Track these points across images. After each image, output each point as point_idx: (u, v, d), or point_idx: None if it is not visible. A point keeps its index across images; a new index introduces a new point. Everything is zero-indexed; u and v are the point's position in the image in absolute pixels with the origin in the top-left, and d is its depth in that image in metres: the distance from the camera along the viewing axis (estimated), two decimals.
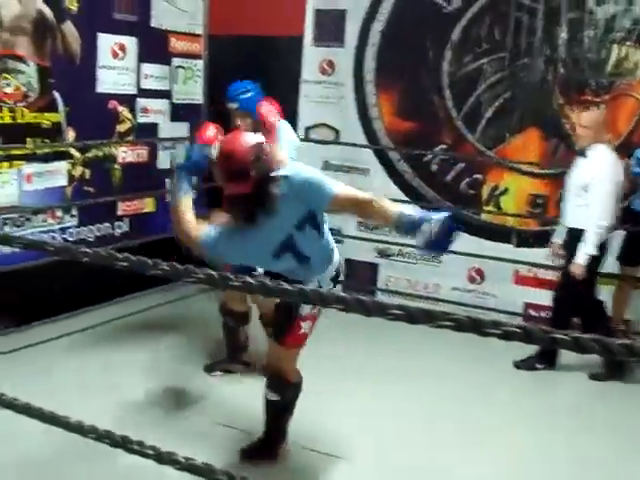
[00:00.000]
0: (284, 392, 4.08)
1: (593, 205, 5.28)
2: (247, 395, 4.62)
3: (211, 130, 4.09)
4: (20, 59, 5.64)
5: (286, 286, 1.75)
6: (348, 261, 7.29)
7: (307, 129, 7.32)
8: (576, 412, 5.09)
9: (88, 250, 1.85)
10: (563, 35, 6.37)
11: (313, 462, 4.23)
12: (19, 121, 5.66)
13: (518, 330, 1.48)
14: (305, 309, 3.84)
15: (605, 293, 5.97)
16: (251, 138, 3.53)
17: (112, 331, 6.04)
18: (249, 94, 4.97)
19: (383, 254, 7.20)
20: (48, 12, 5.80)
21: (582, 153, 5.49)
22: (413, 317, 1.51)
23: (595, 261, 5.38)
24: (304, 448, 4.32)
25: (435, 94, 6.81)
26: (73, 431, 2.04)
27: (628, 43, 6.22)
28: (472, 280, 6.91)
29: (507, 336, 1.48)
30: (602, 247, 5.40)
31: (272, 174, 3.44)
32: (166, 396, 4.91)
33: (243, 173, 3.39)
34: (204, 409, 4.77)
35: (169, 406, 4.75)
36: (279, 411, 4.17)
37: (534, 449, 4.47)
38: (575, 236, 5.40)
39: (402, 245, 7.01)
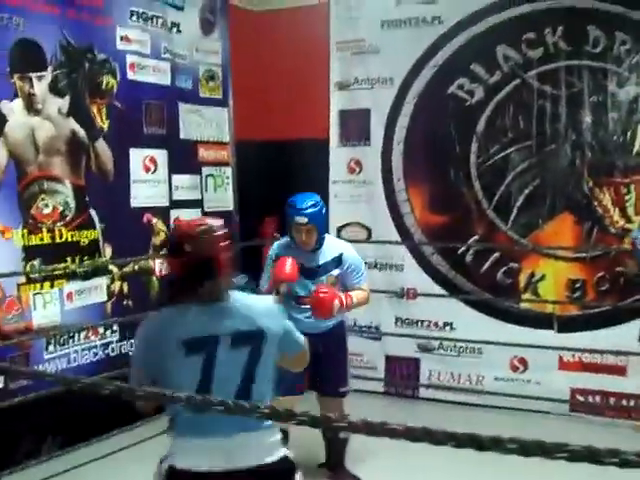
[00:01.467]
0: None
1: None
2: None
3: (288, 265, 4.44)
4: (56, 179, 5.72)
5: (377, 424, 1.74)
6: (388, 358, 7.30)
7: (339, 229, 7.35)
8: None
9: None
10: (587, 119, 6.43)
11: None
12: (57, 241, 5.72)
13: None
14: None
15: None
16: (209, 220, 3.20)
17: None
18: (317, 207, 4.87)
19: (424, 348, 7.15)
20: (81, 132, 5.90)
21: None
22: (528, 450, 1.49)
23: None
24: None
25: (464, 186, 6.86)
26: None
27: None
28: (515, 369, 6.84)
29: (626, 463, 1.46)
30: None
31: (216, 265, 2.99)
32: None
33: (178, 246, 2.99)
34: None
35: None
36: None
37: None
38: None
39: (443, 339, 7.01)
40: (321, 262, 4.93)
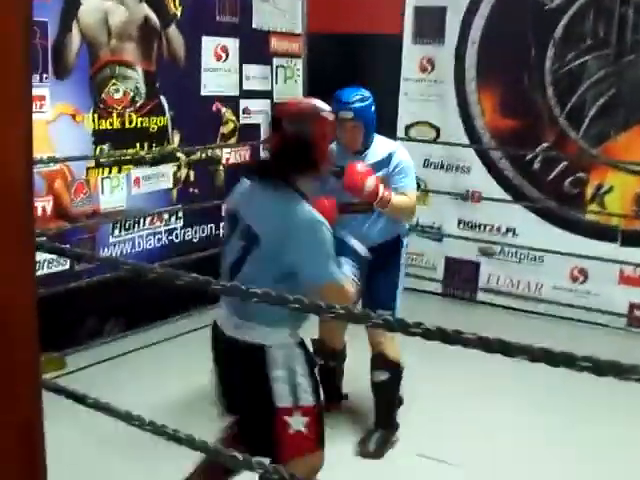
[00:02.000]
0: None
1: None
2: None
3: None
4: (128, 65, 5.72)
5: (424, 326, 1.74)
6: (449, 259, 7.30)
7: (407, 127, 7.29)
8: None
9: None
10: None
11: (428, 469, 4.24)
12: (127, 126, 5.75)
13: None
14: (284, 397, 2.96)
15: None
16: (317, 101, 3.16)
17: None
18: (365, 102, 4.31)
19: (485, 252, 7.13)
20: (154, 17, 5.87)
21: None
22: (601, 370, 1.49)
23: None
24: (418, 455, 4.35)
25: (538, 92, 6.71)
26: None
27: None
28: (575, 279, 6.80)
29: None
30: None
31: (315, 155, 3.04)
32: None
33: (276, 122, 3.06)
34: None
35: None
36: None
37: None
38: None
39: (504, 244, 6.98)
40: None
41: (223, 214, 3.29)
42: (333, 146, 4.31)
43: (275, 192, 2.99)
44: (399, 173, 4.36)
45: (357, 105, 4.29)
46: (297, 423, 2.93)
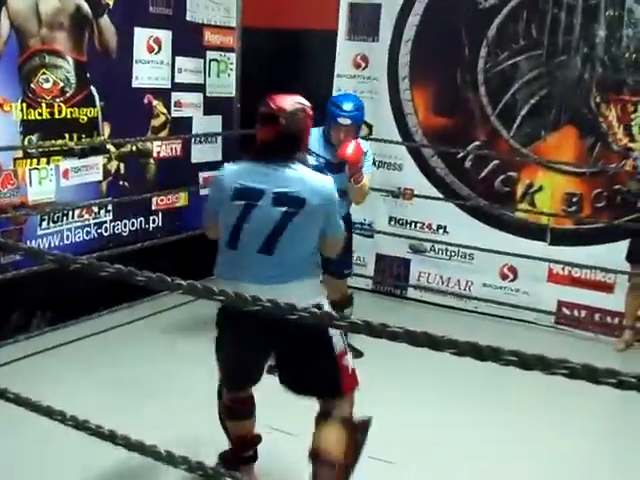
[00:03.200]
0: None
1: None
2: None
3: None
4: (58, 54, 5.63)
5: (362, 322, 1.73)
6: (380, 256, 7.32)
7: None
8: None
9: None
10: (601, 33, 6.31)
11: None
12: (56, 116, 5.66)
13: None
14: (339, 341, 3.42)
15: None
16: (299, 99, 3.48)
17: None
18: (360, 111, 5.23)
19: (415, 250, 7.17)
20: (85, 7, 5.79)
21: None
22: (527, 364, 1.49)
23: None
24: None
25: (470, 91, 6.77)
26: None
27: None
28: (504, 277, 6.87)
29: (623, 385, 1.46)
30: None
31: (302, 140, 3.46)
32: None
33: (273, 117, 3.33)
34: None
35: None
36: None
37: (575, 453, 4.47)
38: None
39: (435, 242, 7.02)
40: None
41: (214, 196, 3.40)
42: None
43: (292, 166, 3.36)
44: (366, 159, 5.13)
45: (354, 114, 5.13)
46: (350, 360, 3.49)
